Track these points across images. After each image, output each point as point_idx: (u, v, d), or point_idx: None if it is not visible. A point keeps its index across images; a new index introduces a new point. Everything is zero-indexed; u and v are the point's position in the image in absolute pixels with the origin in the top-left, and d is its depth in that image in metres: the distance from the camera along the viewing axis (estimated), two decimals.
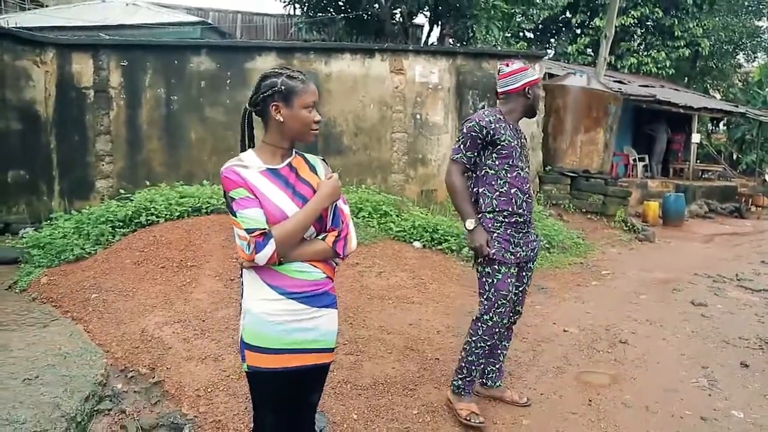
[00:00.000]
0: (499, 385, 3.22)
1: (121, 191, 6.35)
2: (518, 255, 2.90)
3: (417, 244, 6.27)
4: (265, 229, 1.72)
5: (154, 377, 3.29)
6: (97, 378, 3.20)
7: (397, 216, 6.69)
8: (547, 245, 7.30)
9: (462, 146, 2.88)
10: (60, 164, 7.39)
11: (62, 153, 7.40)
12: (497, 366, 3.19)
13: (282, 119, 1.79)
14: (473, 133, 2.84)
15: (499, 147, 2.83)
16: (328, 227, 1.88)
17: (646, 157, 14.56)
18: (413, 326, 4.29)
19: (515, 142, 2.88)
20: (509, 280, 2.87)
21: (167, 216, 5.55)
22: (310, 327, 1.84)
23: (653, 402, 3.30)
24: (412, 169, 8.64)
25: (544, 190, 9.64)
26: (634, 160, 14.26)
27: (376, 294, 4.86)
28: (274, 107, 1.79)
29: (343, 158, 8.32)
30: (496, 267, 2.85)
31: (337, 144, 8.33)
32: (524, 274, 3.03)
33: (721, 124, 21.57)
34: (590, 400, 3.30)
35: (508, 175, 2.86)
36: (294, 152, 1.90)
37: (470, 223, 2.83)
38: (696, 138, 15.11)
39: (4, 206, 6.95)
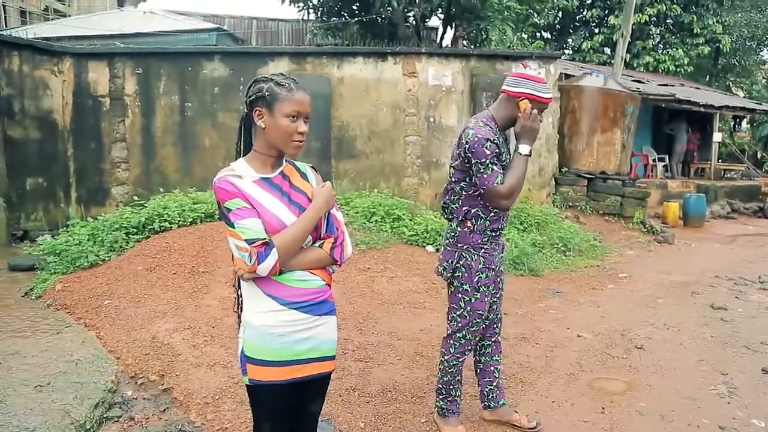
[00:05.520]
0: (503, 403, 3.00)
1: (136, 198, 6.42)
2: (496, 268, 2.79)
3: (430, 248, 6.22)
4: (266, 239, 1.69)
5: (163, 384, 3.30)
6: (107, 385, 3.22)
7: (410, 220, 6.65)
8: (563, 248, 7.20)
9: (493, 166, 2.54)
10: (77, 171, 7.52)
11: (79, 160, 7.53)
12: (494, 384, 2.98)
13: (264, 126, 1.76)
14: (496, 150, 2.57)
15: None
16: (322, 234, 1.86)
17: (666, 157, 14.32)
18: (424, 332, 4.25)
19: (506, 152, 2.73)
20: (487, 299, 2.75)
21: (180, 222, 5.59)
22: (310, 336, 1.82)
23: (669, 410, 3.21)
24: (426, 173, 8.60)
25: (560, 191, 9.53)
26: (654, 160, 14.03)
27: (387, 299, 4.83)
28: (257, 113, 1.76)
29: (356, 162, 8.32)
30: (476, 287, 2.70)
31: (350, 148, 8.32)
32: (499, 280, 2.89)
33: (744, 122, 21.11)
34: (603, 408, 3.23)
35: None
36: (285, 161, 1.87)
37: (524, 148, 2.57)
38: (717, 137, 14.81)
39: (23, 213, 7.08)
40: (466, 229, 2.73)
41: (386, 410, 3.12)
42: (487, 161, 2.54)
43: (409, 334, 4.19)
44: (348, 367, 3.58)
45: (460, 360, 2.81)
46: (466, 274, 2.71)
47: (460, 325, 2.76)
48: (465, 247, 2.72)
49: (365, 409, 3.12)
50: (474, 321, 2.74)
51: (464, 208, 2.72)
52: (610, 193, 9.65)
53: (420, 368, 3.65)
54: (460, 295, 2.75)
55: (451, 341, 2.80)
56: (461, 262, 2.73)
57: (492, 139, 2.57)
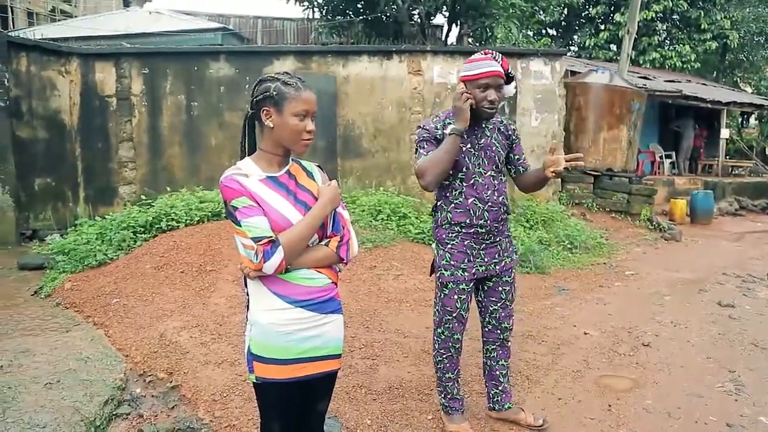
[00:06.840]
0: (509, 407, 2.98)
1: (143, 197, 6.46)
2: (474, 270, 2.68)
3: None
4: (272, 237, 1.70)
5: (171, 382, 3.33)
6: (116, 382, 3.25)
7: (416, 218, 6.66)
8: (569, 245, 7.19)
9: (420, 149, 2.59)
10: (84, 171, 7.58)
11: (87, 160, 7.59)
12: (500, 388, 2.96)
13: (272, 125, 1.77)
14: (425, 135, 2.61)
15: None
16: (329, 233, 1.87)
17: (673, 154, 14.26)
18: (430, 330, 4.21)
19: (466, 146, 2.61)
20: (456, 297, 2.68)
21: (187, 221, 5.62)
22: (317, 334, 1.82)
23: (676, 408, 3.21)
24: None
25: (566, 189, 9.50)
26: (661, 157, 13.97)
27: (393, 297, 4.85)
28: (265, 112, 1.77)
29: (362, 161, 8.33)
30: (443, 282, 2.71)
31: (356, 146, 8.34)
32: (500, 289, 2.78)
33: (752, 119, 20.96)
34: (610, 406, 3.23)
35: (464, 185, 2.63)
36: (291, 160, 1.88)
37: (448, 128, 2.50)
38: (725, 133, 14.72)
39: (32, 213, 7.13)
40: (434, 223, 2.80)
41: (393, 407, 3.13)
42: (416, 145, 2.66)
43: (416, 332, 4.20)
44: (355, 365, 3.60)
45: (445, 356, 2.80)
46: (436, 270, 2.76)
47: (437, 320, 2.79)
48: (436, 242, 2.78)
49: (372, 406, 3.14)
50: (446, 318, 2.73)
51: (435, 203, 2.82)
52: (616, 191, 9.62)
53: (426, 366, 3.66)
54: (436, 290, 2.79)
55: (435, 336, 2.83)
56: (436, 257, 2.79)
57: (424, 126, 2.65)
